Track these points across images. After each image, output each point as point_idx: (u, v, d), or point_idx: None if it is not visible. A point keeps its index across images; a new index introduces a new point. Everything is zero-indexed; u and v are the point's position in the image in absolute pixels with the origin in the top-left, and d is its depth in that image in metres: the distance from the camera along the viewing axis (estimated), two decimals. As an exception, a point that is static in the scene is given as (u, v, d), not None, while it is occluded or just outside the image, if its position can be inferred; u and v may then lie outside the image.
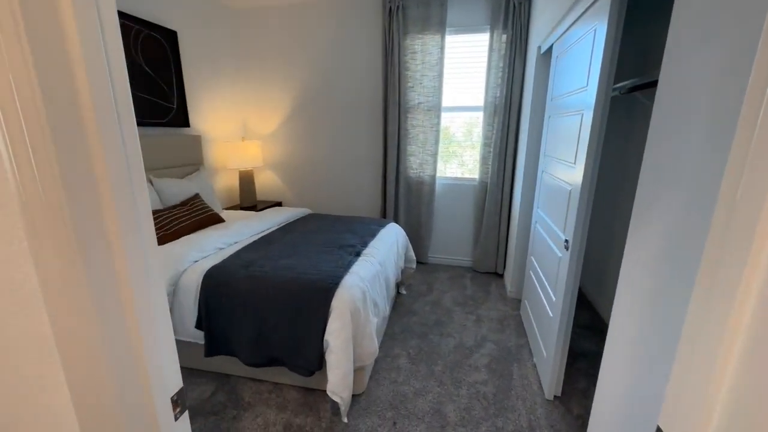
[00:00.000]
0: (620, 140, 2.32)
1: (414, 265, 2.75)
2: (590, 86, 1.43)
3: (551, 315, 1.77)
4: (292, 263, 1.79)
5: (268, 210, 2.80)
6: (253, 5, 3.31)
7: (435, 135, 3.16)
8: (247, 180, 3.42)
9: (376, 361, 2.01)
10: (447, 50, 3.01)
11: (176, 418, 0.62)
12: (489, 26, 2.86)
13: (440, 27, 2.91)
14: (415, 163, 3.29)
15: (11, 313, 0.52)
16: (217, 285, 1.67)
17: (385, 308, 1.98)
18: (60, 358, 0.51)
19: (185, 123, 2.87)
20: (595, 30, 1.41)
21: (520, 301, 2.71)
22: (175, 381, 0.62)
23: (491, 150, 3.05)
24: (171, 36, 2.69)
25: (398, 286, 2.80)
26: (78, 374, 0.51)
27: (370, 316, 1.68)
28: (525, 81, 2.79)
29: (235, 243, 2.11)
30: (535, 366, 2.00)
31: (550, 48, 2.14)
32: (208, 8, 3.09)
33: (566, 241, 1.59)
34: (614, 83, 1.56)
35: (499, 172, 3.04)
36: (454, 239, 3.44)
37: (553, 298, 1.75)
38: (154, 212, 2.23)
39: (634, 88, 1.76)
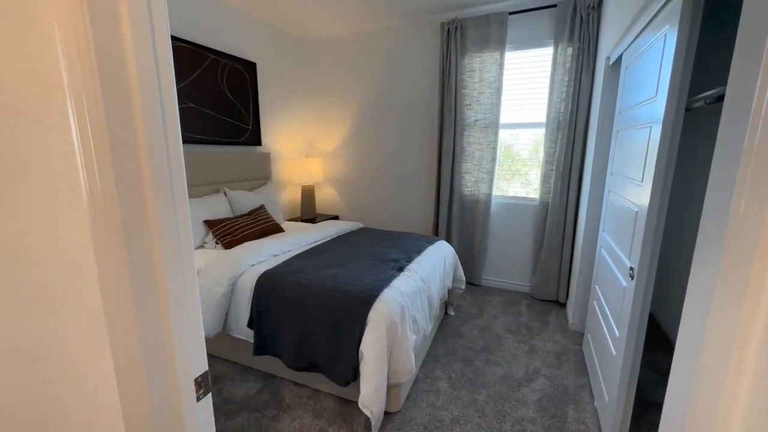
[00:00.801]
0: (701, 155, 2.01)
1: (463, 286, 2.65)
2: (659, 96, 1.28)
3: (614, 353, 1.56)
4: (337, 273, 1.86)
5: (323, 222, 2.96)
6: (321, 36, 3.63)
7: (492, 152, 3.06)
8: (308, 194, 3.67)
9: (415, 381, 1.96)
10: (506, 67, 2.94)
11: (198, 399, 0.69)
12: (553, 40, 2.74)
13: (499, 45, 2.86)
14: (470, 181, 3.22)
15: (76, 286, 0.64)
16: (267, 288, 1.80)
17: (427, 326, 1.93)
18: (107, 330, 0.61)
19: (258, 142, 3.22)
20: (665, 35, 1.27)
21: (583, 335, 2.42)
22: (200, 364, 0.69)
23: (554, 168, 2.85)
24: (251, 66, 3.07)
25: (446, 306, 2.71)
26: (118, 344, 0.61)
27: (408, 332, 1.65)
28: (593, 94, 2.58)
29: (289, 251, 2.26)
30: (596, 411, 1.76)
31: (620, 58, 1.97)
32: (283, 40, 3.48)
33: (631, 269, 1.40)
34: (695, 93, 1.37)
35: (562, 191, 2.82)
36: (510, 262, 3.24)
37: (617, 334, 1.54)
38: (226, 220, 2.51)
39: (722, 98, 1.52)
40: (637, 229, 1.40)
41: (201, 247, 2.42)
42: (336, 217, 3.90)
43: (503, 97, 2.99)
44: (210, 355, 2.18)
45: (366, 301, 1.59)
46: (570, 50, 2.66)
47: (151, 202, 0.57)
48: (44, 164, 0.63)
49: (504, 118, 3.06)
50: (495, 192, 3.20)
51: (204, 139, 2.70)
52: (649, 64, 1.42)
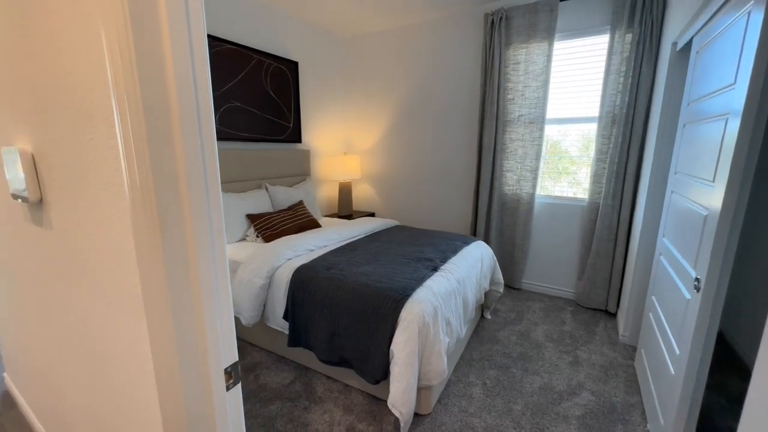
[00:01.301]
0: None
1: (501, 289, 2.53)
2: (739, 84, 1.12)
3: (672, 372, 1.40)
4: (369, 270, 1.85)
5: (358, 219, 2.98)
6: (362, 33, 3.64)
7: (536, 149, 2.89)
8: (345, 191, 3.72)
9: (447, 384, 1.90)
10: (555, 58, 2.76)
11: (228, 389, 0.70)
12: (609, 27, 2.51)
13: (548, 34, 2.69)
14: (511, 180, 3.07)
15: (117, 271, 0.68)
16: (302, 282, 1.84)
17: (461, 330, 1.87)
18: (145, 316, 0.64)
19: (298, 139, 3.31)
20: (748, 13, 1.10)
21: (635, 349, 2.22)
22: (230, 354, 0.70)
23: (606, 166, 2.63)
24: (293, 65, 3.15)
25: (482, 309, 2.61)
26: (155, 330, 0.64)
27: (441, 334, 1.61)
28: (654, 85, 2.34)
29: (324, 246, 2.30)
30: (648, 434, 1.60)
31: (689, 43, 1.75)
32: (324, 39, 3.53)
33: (697, 279, 1.24)
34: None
35: (615, 191, 2.59)
36: (553, 266, 3.05)
37: (677, 351, 1.38)
38: (266, 214, 2.61)
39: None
40: (705, 235, 1.24)
41: (243, 240, 2.54)
42: (372, 214, 3.92)
43: (551, 91, 2.80)
44: (249, 343, 2.28)
45: (398, 300, 1.56)
46: (629, 37, 2.42)
47: (185, 194, 0.59)
48: (96, 158, 0.67)
49: (551, 113, 2.88)
50: (539, 191, 3.02)
51: (248, 137, 2.83)
52: (727, 48, 1.25)
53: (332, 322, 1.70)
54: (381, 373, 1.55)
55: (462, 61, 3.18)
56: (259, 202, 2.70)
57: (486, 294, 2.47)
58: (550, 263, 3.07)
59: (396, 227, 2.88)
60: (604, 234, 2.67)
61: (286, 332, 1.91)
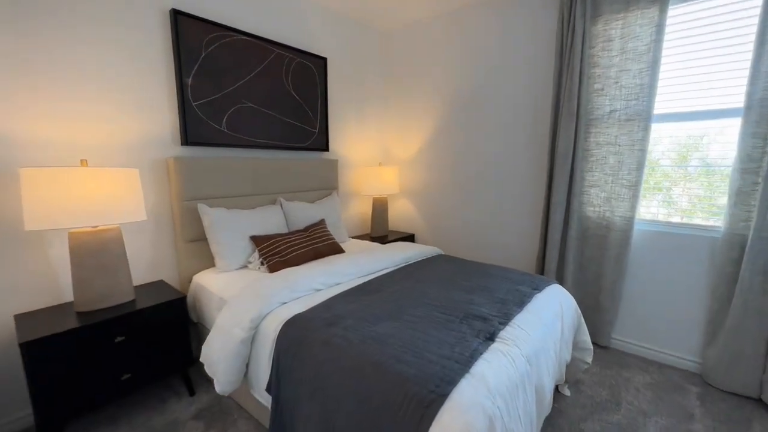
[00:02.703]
0: None
1: (589, 358, 1.74)
2: None
3: None
4: (388, 332, 1.22)
5: (391, 245, 2.38)
6: (403, 24, 3.11)
7: (638, 157, 2.08)
8: (380, 208, 3.15)
9: None
10: (669, 28, 1.96)
11: None
12: (765, -28, 1.68)
13: (659, -6, 1.91)
14: (598, 198, 2.26)
15: None
16: (291, 342, 1.27)
17: (532, 441, 1.15)
18: None
19: (325, 147, 2.83)
20: None
21: None
22: None
23: (759, 179, 1.74)
24: (321, 62, 2.70)
25: (557, 385, 1.83)
26: None
27: (501, 465, 0.92)
28: None
29: (337, 284, 1.73)
30: None
31: None
32: (358, 32, 3.06)
33: None
34: None
35: (778, 219, 1.69)
36: (663, 321, 2.15)
37: None
38: (276, 236, 2.12)
39: None
40: None
41: (244, 267, 2.06)
42: (411, 237, 3.28)
43: (661, 75, 2.00)
44: (237, 405, 1.76)
45: (426, 404, 0.91)
46: (805, -18, 1.57)
47: None
48: None
49: (660, 106, 2.06)
50: (640, 214, 2.18)
51: (263, 143, 2.39)
52: None
53: (324, 417, 1.09)
54: None
55: (527, 46, 2.49)
56: (270, 220, 2.23)
57: (567, 365, 1.69)
58: (657, 317, 2.17)
59: (438, 258, 2.22)
60: (757, 282, 1.75)
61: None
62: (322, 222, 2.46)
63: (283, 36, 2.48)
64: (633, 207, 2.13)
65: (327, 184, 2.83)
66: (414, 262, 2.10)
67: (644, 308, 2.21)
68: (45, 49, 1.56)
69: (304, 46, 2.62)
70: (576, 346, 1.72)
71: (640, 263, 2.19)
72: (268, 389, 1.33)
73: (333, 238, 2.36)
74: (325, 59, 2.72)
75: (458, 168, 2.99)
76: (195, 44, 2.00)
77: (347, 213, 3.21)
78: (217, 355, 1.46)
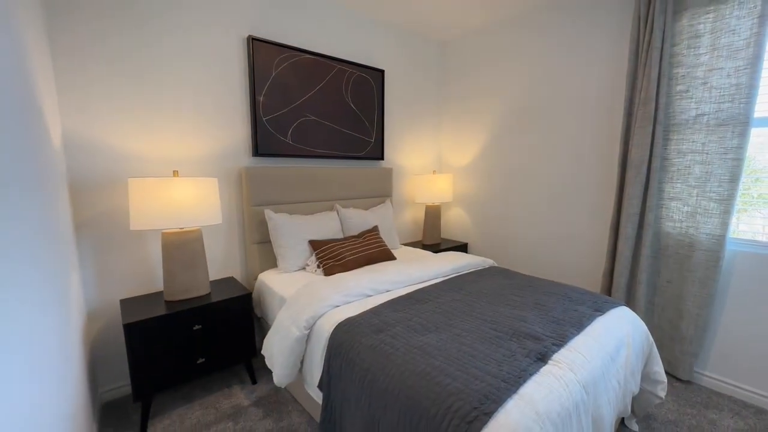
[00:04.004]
0: None
1: (662, 392, 1.56)
2: None
3: None
4: (434, 344, 1.23)
5: (442, 254, 2.37)
6: (459, 32, 3.09)
7: (731, 167, 1.82)
8: (433, 216, 3.15)
9: None
10: (775, 18, 1.70)
11: None
12: None
13: (762, -19, 1.66)
14: (680, 212, 2.02)
15: None
16: (341, 344, 1.34)
17: (587, 476, 1.07)
18: None
19: (380, 156, 2.92)
20: None
21: None
22: None
23: None
24: (378, 74, 2.80)
25: (622, 419, 1.66)
26: None
27: (548, 495, 0.88)
28: None
29: (387, 291, 1.77)
30: None
31: None
32: (414, 43, 3.11)
33: None
34: None
35: None
36: (763, 356, 1.84)
37: None
38: (332, 241, 2.25)
39: None
40: None
41: (302, 269, 2.21)
42: (465, 246, 3.22)
43: (763, 72, 1.73)
44: (292, 398, 1.89)
45: (468, 420, 0.91)
46: None
47: None
48: None
49: (760, 108, 1.78)
50: (733, 233, 1.90)
51: (322, 154, 2.55)
52: None
53: (370, 418, 1.14)
54: None
55: (597, 47, 2.32)
56: (327, 226, 2.36)
57: (634, 397, 1.54)
58: (755, 351, 1.86)
59: (490, 270, 2.16)
60: None
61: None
62: (375, 228, 2.54)
63: (344, 51, 2.62)
64: (724, 224, 1.86)
65: (381, 192, 2.91)
66: (465, 273, 2.07)
67: (739, 341, 1.91)
68: (150, 86, 1.85)
69: (363, 60, 2.74)
70: (646, 377, 1.55)
71: (738, 289, 1.90)
72: (320, 386, 1.42)
73: (385, 245, 2.42)
74: (382, 71, 2.81)
75: (516, 176, 2.87)
76: (267, 65, 2.22)
77: (400, 220, 3.26)
78: (276, 350, 1.59)
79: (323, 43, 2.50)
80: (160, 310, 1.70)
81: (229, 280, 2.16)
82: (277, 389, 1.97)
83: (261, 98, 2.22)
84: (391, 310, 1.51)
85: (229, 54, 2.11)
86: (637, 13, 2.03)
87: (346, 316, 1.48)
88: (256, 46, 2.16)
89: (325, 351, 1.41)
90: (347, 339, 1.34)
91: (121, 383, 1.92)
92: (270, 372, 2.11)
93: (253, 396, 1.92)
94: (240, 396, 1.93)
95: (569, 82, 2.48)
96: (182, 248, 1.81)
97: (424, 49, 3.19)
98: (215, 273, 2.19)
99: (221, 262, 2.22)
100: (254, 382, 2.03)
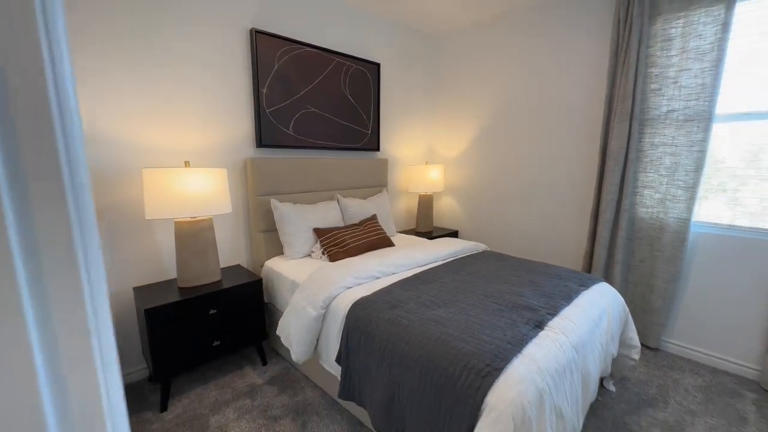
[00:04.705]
0: None
1: (636, 355, 1.79)
2: None
3: None
4: (445, 317, 1.39)
5: (438, 240, 2.52)
6: (453, 27, 3.21)
7: (696, 158, 2.05)
8: (425, 205, 3.30)
9: (552, 497, 1.30)
10: (736, 25, 1.91)
11: None
12: None
13: (725, -9, 1.87)
14: (652, 199, 2.25)
15: None
16: (359, 321, 1.47)
17: (577, 422, 1.26)
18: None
19: (376, 147, 3.02)
20: None
21: None
22: None
23: (834, 184, 1.67)
24: (374, 67, 2.89)
25: (602, 379, 1.89)
26: None
27: (549, 433, 1.05)
28: None
29: (393, 273, 1.91)
30: None
31: None
32: (410, 37, 3.21)
33: None
34: None
35: None
36: (720, 324, 2.11)
37: None
38: (335, 229, 2.36)
39: None
40: None
41: (308, 256, 2.32)
42: (455, 233, 3.40)
43: (725, 74, 1.95)
44: (304, 376, 2.02)
45: (483, 374, 1.07)
46: None
47: None
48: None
49: (723, 106, 2.01)
50: (697, 216, 2.15)
51: (322, 144, 2.64)
52: None
53: (391, 382, 1.28)
54: (453, 478, 1.07)
55: (580, 46, 2.50)
56: (329, 215, 2.47)
57: (613, 360, 1.76)
58: (712, 320, 2.13)
59: (484, 254, 2.34)
60: (826, 290, 1.69)
61: (339, 378, 1.56)
62: (374, 217, 2.66)
63: (343, 45, 2.69)
64: (689, 209, 2.10)
65: (378, 182, 3.03)
66: (461, 257, 2.24)
67: (700, 312, 2.18)
68: (160, 80, 1.88)
69: (361, 54, 2.82)
70: (623, 342, 1.77)
71: (698, 266, 2.16)
72: (338, 360, 1.55)
73: (384, 232, 2.55)
74: (378, 65, 2.90)
75: (504, 166, 3.05)
76: (270, 58, 2.26)
77: (395, 209, 3.39)
78: (293, 329, 1.71)
79: (322, 37, 2.56)
80: (176, 296, 1.77)
81: (237, 268, 2.23)
82: (288, 369, 2.09)
83: (264, 90, 2.27)
84: (401, 290, 1.65)
85: (233, 46, 2.14)
86: (617, 16, 2.21)
87: (361, 296, 1.61)
88: (259, 38, 2.20)
89: (342, 327, 1.54)
90: (365, 315, 1.47)
91: (133, 369, 1.98)
92: (278, 354, 2.23)
93: (266, 375, 2.03)
94: (253, 376, 2.03)
95: (554, 79, 2.66)
96: (195, 237, 1.87)
97: (417, 43, 3.29)
98: (223, 261, 2.26)
99: (228, 250, 2.29)
100: (264, 363, 2.14)
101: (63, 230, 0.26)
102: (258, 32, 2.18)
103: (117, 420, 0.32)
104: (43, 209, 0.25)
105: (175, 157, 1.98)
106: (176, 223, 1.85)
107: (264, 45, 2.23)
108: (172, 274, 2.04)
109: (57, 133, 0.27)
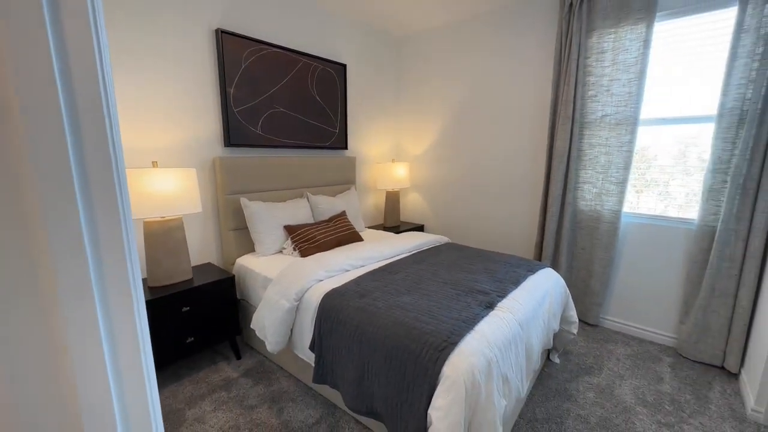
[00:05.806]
0: None
1: (575, 330, 2.05)
2: None
3: None
4: (409, 302, 1.54)
5: (404, 234, 2.69)
6: (416, 30, 3.37)
7: (625, 157, 2.35)
8: (392, 201, 3.45)
9: (502, 453, 1.51)
10: (655, 43, 2.21)
11: None
12: (738, -3, 1.92)
13: (646, 13, 2.15)
14: (590, 193, 2.54)
15: None
16: (331, 310, 1.59)
17: (522, 386, 1.47)
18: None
19: (344, 146, 3.12)
20: None
21: (777, 435, 1.60)
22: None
23: (728, 179, 2.01)
24: (341, 68, 2.98)
25: (548, 351, 2.15)
26: None
27: (495, 396, 1.24)
28: (813, 69, 1.70)
29: (362, 266, 2.04)
30: None
31: None
32: (375, 39, 3.32)
33: None
34: None
35: (741, 213, 1.96)
36: (644, 302, 2.45)
37: None
38: (305, 225, 2.44)
39: None
40: None
41: (279, 252, 2.39)
42: (421, 227, 3.59)
43: (647, 85, 2.25)
44: (278, 367, 2.11)
45: (440, 349, 1.23)
46: (770, 8, 1.81)
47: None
48: None
49: (646, 112, 2.32)
50: (627, 208, 2.46)
51: (291, 143, 2.70)
52: None
53: (361, 362, 1.42)
54: (416, 440, 1.23)
55: (530, 55, 2.74)
56: (299, 212, 2.55)
57: (555, 335, 2.01)
58: (639, 298, 2.47)
59: (446, 246, 2.53)
60: (724, 267, 2.04)
61: (313, 364, 1.68)
62: (343, 213, 2.77)
63: (309, 46, 2.76)
64: (620, 201, 2.40)
65: (346, 179, 3.13)
66: (425, 249, 2.41)
67: (629, 291, 2.50)
68: (123, 75, 1.87)
69: (327, 55, 2.89)
70: (564, 319, 2.02)
71: (626, 251, 2.48)
72: (311, 347, 1.66)
73: (353, 228, 2.67)
74: (344, 65, 3.00)
75: (465, 164, 3.27)
76: (236, 58, 2.29)
77: (363, 205, 3.52)
78: (267, 322, 1.79)
79: (289, 37, 2.62)
80: (147, 296, 1.80)
81: (208, 266, 2.26)
82: (263, 361, 2.17)
83: (231, 90, 2.30)
84: (370, 280, 1.79)
85: (200, 46, 2.16)
86: (560, 29, 2.46)
87: (332, 287, 1.72)
88: (225, 38, 2.22)
89: (315, 317, 1.65)
90: (336, 304, 1.60)
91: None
92: (252, 348, 2.30)
93: (240, 369, 2.10)
94: (227, 370, 2.09)
95: (508, 84, 2.89)
96: (165, 236, 1.89)
97: (383, 44, 3.41)
98: (194, 259, 2.28)
99: (199, 249, 2.31)
100: (239, 357, 2.20)
101: (117, 233, 0.36)
102: (224, 32, 2.21)
103: (154, 397, 0.42)
104: (104, 216, 0.35)
105: (142, 157, 1.98)
106: (145, 223, 1.87)
107: (230, 45, 2.26)
108: (143, 273, 2.04)
109: (110, 148, 0.36)
